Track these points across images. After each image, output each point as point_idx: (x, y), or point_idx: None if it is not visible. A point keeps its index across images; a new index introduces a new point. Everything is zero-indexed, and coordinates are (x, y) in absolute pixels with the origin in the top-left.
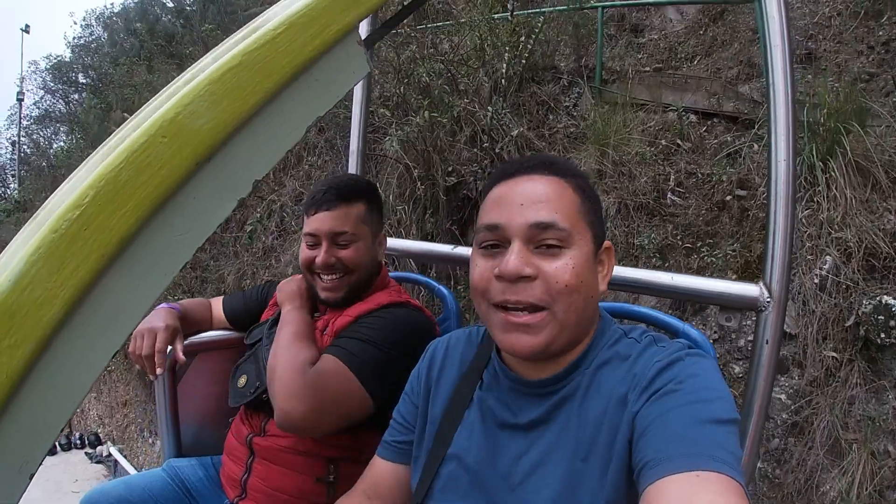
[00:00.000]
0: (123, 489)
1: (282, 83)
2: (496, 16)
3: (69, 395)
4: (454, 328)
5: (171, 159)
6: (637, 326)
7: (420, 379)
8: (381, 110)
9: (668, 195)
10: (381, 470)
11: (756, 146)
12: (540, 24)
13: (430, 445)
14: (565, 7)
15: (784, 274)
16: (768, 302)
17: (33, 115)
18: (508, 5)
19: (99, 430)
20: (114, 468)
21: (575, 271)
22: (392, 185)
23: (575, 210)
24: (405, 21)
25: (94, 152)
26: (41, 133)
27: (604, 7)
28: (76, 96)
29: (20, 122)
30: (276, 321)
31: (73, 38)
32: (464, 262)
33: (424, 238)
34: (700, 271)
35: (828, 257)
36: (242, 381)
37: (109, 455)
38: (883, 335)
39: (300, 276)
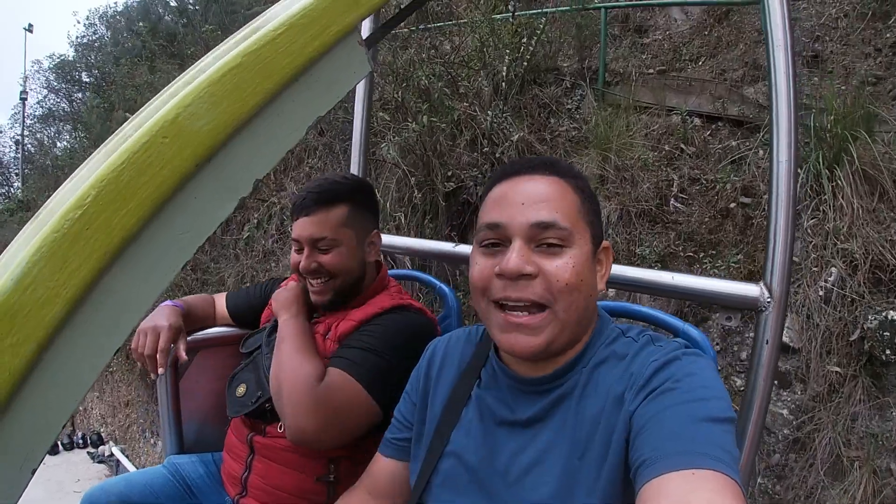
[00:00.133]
0: (124, 486)
1: (282, 83)
2: (498, 16)
3: (71, 394)
4: (455, 326)
5: (172, 159)
6: (634, 325)
7: (419, 378)
8: (381, 114)
9: (671, 202)
10: (382, 467)
11: (762, 152)
12: (542, 25)
13: (429, 443)
14: (568, 7)
15: (785, 274)
16: (769, 302)
17: (37, 114)
18: (510, 6)
19: (101, 430)
20: (115, 468)
21: (575, 270)
22: (391, 189)
23: (575, 210)
24: (406, 22)
25: (95, 152)
26: (45, 132)
27: (607, 7)
28: (80, 95)
29: (23, 121)
30: (274, 328)
31: (77, 37)
32: (465, 261)
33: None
34: None
35: (833, 269)
36: (241, 390)
37: (111, 455)
38: (888, 352)
39: (295, 282)
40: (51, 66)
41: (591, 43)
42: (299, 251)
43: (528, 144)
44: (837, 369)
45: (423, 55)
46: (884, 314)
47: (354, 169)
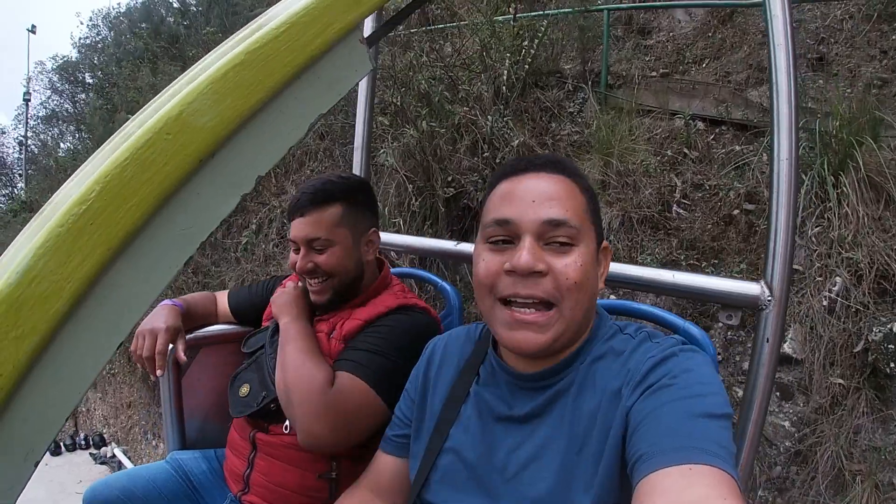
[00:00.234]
0: (127, 481)
1: (285, 81)
2: (500, 18)
3: (74, 387)
4: (456, 323)
5: (176, 156)
6: (632, 322)
7: (418, 376)
8: (380, 118)
9: (674, 208)
10: (383, 464)
11: (766, 157)
12: (544, 28)
13: (428, 439)
14: (570, 9)
15: (785, 272)
16: (769, 300)
17: (40, 114)
18: (511, 9)
19: (104, 431)
20: (117, 470)
21: (583, 269)
22: (390, 194)
23: (582, 209)
24: (406, 24)
25: (99, 149)
26: (48, 133)
27: (610, 9)
28: (83, 96)
29: (27, 122)
30: (277, 328)
31: (79, 38)
32: (466, 259)
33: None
34: None
35: (837, 279)
36: (245, 390)
37: (113, 456)
38: (893, 364)
39: (293, 283)
40: (54, 67)
41: (594, 45)
42: (297, 251)
43: (530, 149)
44: (841, 381)
45: (423, 58)
46: (889, 326)
47: (356, 169)
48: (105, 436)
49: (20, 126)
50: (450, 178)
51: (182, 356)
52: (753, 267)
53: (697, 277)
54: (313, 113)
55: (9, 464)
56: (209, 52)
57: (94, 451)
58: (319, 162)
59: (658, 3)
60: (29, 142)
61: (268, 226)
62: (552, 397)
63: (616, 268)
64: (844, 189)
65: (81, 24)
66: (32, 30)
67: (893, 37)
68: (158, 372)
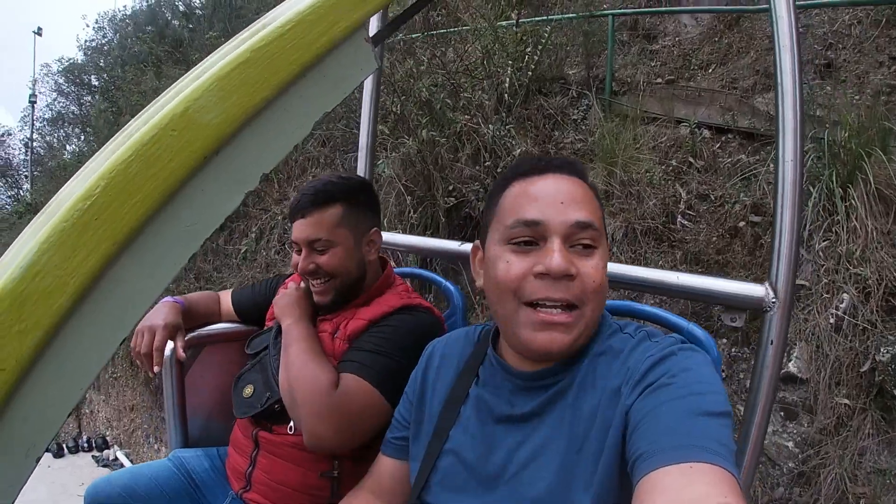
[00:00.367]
0: (129, 478)
1: (290, 79)
2: (504, 23)
3: (76, 382)
4: (460, 324)
5: (181, 152)
6: (631, 322)
7: (417, 378)
8: (380, 127)
9: (678, 219)
10: (383, 466)
11: (773, 167)
12: (547, 34)
13: (427, 442)
14: (575, 15)
15: (790, 274)
16: (774, 302)
17: (46, 116)
18: (513, 14)
19: (107, 433)
20: None
21: (603, 271)
22: (390, 203)
23: (600, 212)
24: (408, 29)
25: (105, 145)
26: (54, 135)
27: (615, 15)
28: (89, 98)
29: (32, 124)
30: (281, 329)
31: (85, 41)
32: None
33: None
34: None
35: (845, 295)
36: (248, 391)
37: (116, 459)
38: None
39: (295, 284)
40: (59, 69)
41: (599, 51)
42: (298, 252)
43: None
44: (846, 402)
45: (423, 66)
46: None
47: (361, 170)
48: (108, 438)
49: (26, 128)
50: (451, 188)
51: (181, 353)
52: (759, 282)
53: (702, 279)
54: (318, 111)
55: (10, 459)
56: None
57: (97, 454)
58: (321, 168)
59: (663, 9)
60: (35, 144)
61: (269, 232)
62: (552, 397)
63: (621, 269)
64: (853, 202)
65: (87, 26)
66: (38, 32)
67: None
68: (156, 368)
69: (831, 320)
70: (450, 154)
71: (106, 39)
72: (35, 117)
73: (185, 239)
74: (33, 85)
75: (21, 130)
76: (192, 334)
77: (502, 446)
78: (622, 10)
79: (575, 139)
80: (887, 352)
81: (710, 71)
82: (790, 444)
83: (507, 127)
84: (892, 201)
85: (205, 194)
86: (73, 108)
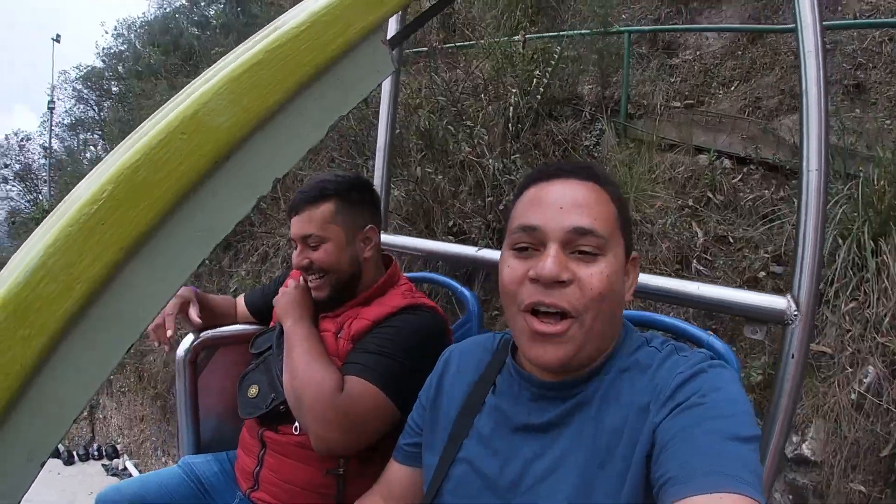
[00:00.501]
0: (138, 487)
1: (304, 81)
2: (514, 37)
3: (82, 388)
4: (476, 330)
5: (191, 156)
6: (657, 335)
7: (432, 385)
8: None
9: (693, 264)
10: (395, 473)
11: (797, 202)
12: (558, 54)
13: (441, 449)
14: (588, 31)
15: (813, 286)
16: (795, 315)
17: (65, 122)
18: (520, 33)
19: (118, 442)
20: None
21: (608, 280)
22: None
23: (612, 218)
24: (413, 43)
25: (115, 148)
26: (73, 140)
27: (631, 31)
28: (108, 104)
29: (51, 131)
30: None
31: (103, 48)
32: (487, 265)
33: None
34: None
35: (870, 368)
36: (253, 391)
37: (125, 469)
38: None
39: (294, 281)
40: (78, 76)
41: (615, 69)
42: (296, 248)
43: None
44: (861, 488)
45: (423, 90)
46: None
47: (378, 170)
48: (118, 447)
49: (45, 133)
50: (451, 223)
51: (196, 319)
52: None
53: (723, 290)
54: (333, 115)
55: (13, 464)
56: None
57: (107, 463)
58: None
59: (682, 27)
60: (54, 149)
61: (274, 254)
62: (573, 408)
63: (640, 279)
64: (885, 258)
65: (106, 33)
66: (57, 39)
67: None
68: (168, 333)
69: (852, 396)
70: (451, 187)
71: (125, 46)
72: (54, 123)
73: (195, 244)
74: (52, 91)
75: (41, 136)
76: (206, 335)
77: (518, 457)
78: (639, 28)
79: None
80: None
81: (733, 88)
82: None
83: (512, 158)
84: None
85: (216, 199)
86: (91, 113)
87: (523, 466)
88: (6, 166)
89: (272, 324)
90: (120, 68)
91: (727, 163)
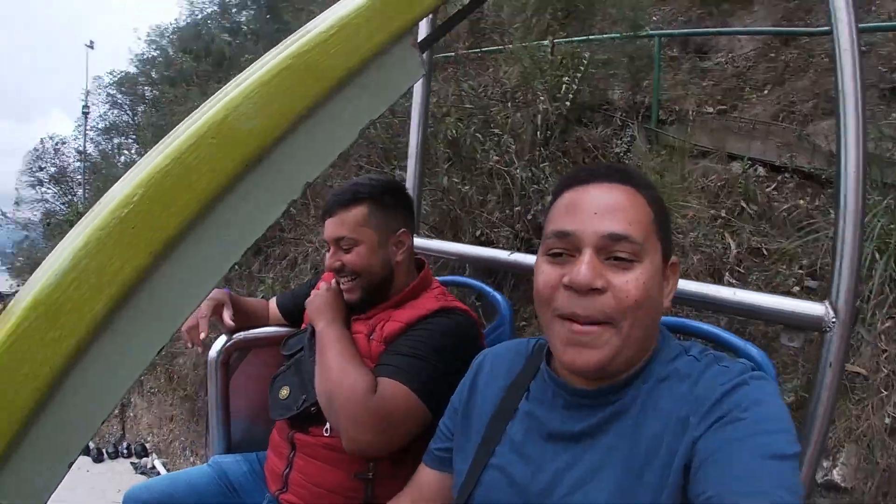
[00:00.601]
0: (168, 485)
1: (334, 85)
2: (544, 42)
3: (111, 390)
4: (508, 335)
5: (221, 160)
6: (696, 343)
7: (465, 389)
8: (399, 172)
9: (725, 277)
10: (425, 477)
11: (833, 213)
12: (586, 59)
13: (472, 455)
14: (618, 34)
15: (851, 292)
16: (833, 322)
17: (100, 126)
18: (548, 39)
19: (148, 439)
20: None
21: (645, 287)
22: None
23: (648, 222)
24: (441, 48)
25: (147, 154)
26: (107, 144)
27: (661, 36)
28: (141, 108)
29: (85, 135)
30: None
31: (136, 54)
32: (520, 269)
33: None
34: None
35: None
36: (284, 392)
37: (153, 467)
38: None
39: (326, 283)
40: (111, 81)
41: (645, 73)
42: (329, 251)
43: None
44: None
45: (452, 97)
46: None
47: (410, 175)
48: (147, 446)
49: (80, 137)
50: (479, 233)
51: (229, 321)
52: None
53: (758, 296)
54: (364, 118)
55: (42, 464)
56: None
57: (136, 461)
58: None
59: (713, 31)
60: (89, 152)
61: (303, 260)
62: (610, 416)
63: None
64: None
65: (139, 39)
66: (90, 45)
67: None
68: (202, 335)
69: (886, 420)
70: (479, 196)
71: (157, 52)
72: (88, 127)
73: (225, 248)
74: (86, 96)
75: (76, 139)
76: (238, 337)
77: (552, 465)
78: (669, 32)
79: None
80: None
81: (766, 92)
82: None
83: (541, 166)
84: None
85: (246, 203)
86: (125, 117)
87: (556, 475)
88: (41, 169)
89: (304, 326)
90: (153, 74)
91: (761, 171)
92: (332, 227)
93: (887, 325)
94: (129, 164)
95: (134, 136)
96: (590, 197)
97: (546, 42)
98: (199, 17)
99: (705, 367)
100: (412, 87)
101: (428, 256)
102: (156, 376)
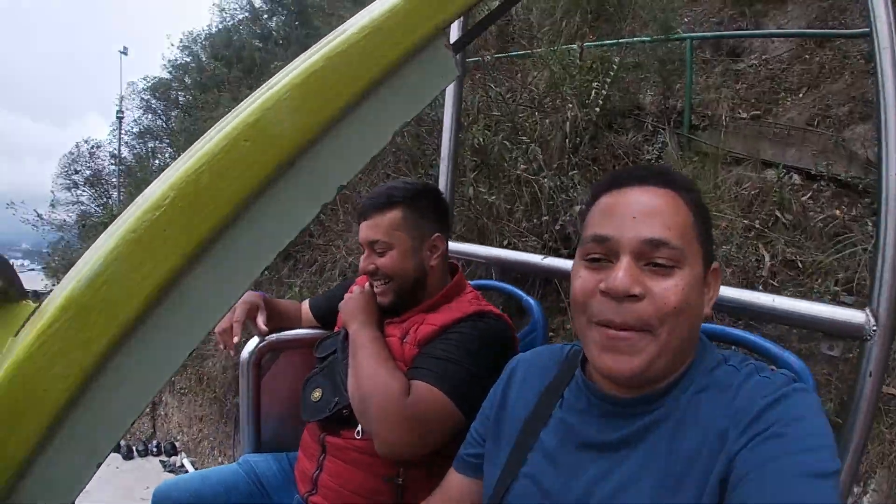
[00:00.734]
0: (198, 483)
1: (367, 87)
2: (573, 46)
3: (141, 392)
4: (540, 340)
5: (253, 163)
6: (735, 352)
7: (497, 394)
8: (430, 172)
9: (759, 289)
10: (454, 483)
11: (870, 224)
12: (616, 65)
13: (503, 463)
14: (648, 37)
15: (893, 298)
16: (874, 330)
17: (134, 130)
18: (577, 43)
19: (178, 438)
20: None
21: (684, 293)
22: None
23: (689, 227)
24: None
25: (181, 156)
26: (141, 148)
27: (692, 38)
28: (174, 113)
29: (119, 139)
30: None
31: (169, 60)
32: (553, 274)
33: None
34: None
35: None
36: (317, 394)
37: (182, 466)
38: None
39: (359, 287)
40: (145, 87)
41: (677, 76)
42: (364, 254)
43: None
44: None
45: (480, 103)
46: None
47: (443, 178)
48: (177, 444)
49: (115, 141)
50: (506, 242)
51: (262, 327)
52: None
53: (798, 303)
54: (397, 121)
55: (70, 464)
56: None
57: (165, 459)
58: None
59: (745, 33)
60: (124, 156)
61: (331, 266)
62: (647, 426)
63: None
64: None
65: (172, 45)
66: (124, 52)
67: None
68: (234, 339)
69: None
70: (506, 205)
71: (190, 58)
72: (123, 132)
73: (257, 252)
74: (120, 102)
75: (111, 143)
76: (271, 338)
77: (585, 475)
78: (701, 35)
79: None
80: None
81: (801, 95)
82: None
83: (570, 174)
84: None
85: (279, 206)
86: (159, 122)
87: (589, 485)
88: (76, 172)
89: (337, 328)
90: (186, 79)
91: (796, 178)
92: (366, 231)
93: None
94: (162, 168)
95: (168, 141)
96: (628, 200)
97: (575, 46)
98: (231, 23)
99: (746, 377)
100: (444, 89)
101: (458, 260)
102: (186, 377)
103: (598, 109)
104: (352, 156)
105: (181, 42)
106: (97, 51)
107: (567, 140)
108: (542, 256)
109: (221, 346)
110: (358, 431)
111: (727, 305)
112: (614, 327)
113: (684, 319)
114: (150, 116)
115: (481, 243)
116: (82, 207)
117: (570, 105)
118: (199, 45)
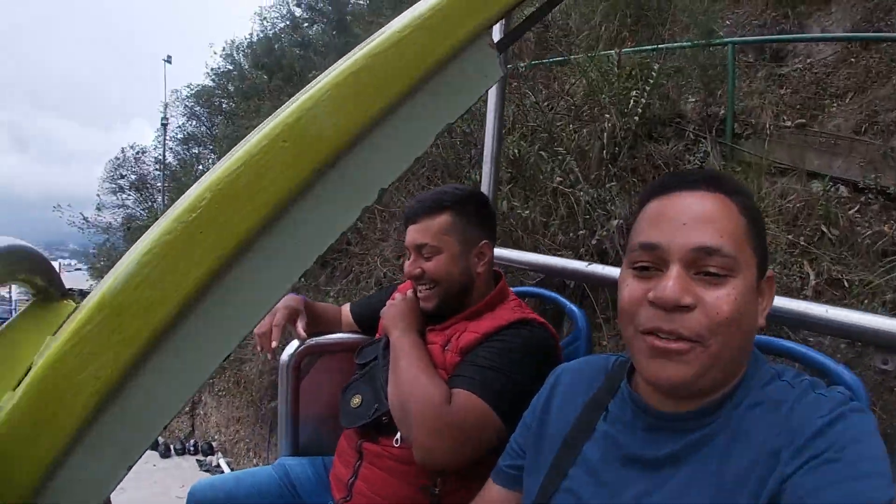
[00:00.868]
0: (233, 484)
1: (409, 87)
2: (611, 52)
3: (174, 395)
4: (584, 349)
5: (293, 164)
6: (788, 367)
7: (539, 405)
8: (467, 183)
9: None
10: (493, 494)
11: None
12: (655, 72)
13: (544, 476)
14: (689, 42)
15: None
16: None
17: (178, 136)
18: (614, 50)
19: (216, 437)
20: None
21: (737, 303)
22: None
23: (742, 233)
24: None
25: (221, 159)
26: (185, 154)
27: (734, 43)
28: (218, 120)
29: (164, 145)
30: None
31: (212, 68)
32: (599, 282)
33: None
34: None
35: None
36: (356, 401)
37: (218, 465)
38: None
39: (402, 294)
40: (189, 94)
41: (718, 82)
42: (409, 258)
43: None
44: None
45: (516, 110)
46: None
47: (485, 182)
48: (214, 444)
49: (160, 146)
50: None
51: (302, 332)
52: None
53: (853, 314)
54: (440, 122)
55: (101, 465)
56: None
57: (201, 458)
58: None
59: (789, 37)
60: (168, 161)
61: (367, 276)
62: (696, 442)
63: None
64: None
65: (215, 54)
66: (168, 60)
67: None
68: (273, 343)
69: None
70: (542, 217)
71: (232, 66)
72: (168, 138)
73: (295, 255)
74: (164, 109)
75: (156, 149)
76: (311, 342)
77: (628, 491)
78: (743, 39)
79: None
80: None
81: (847, 101)
82: None
83: (607, 186)
84: None
85: (318, 208)
86: (203, 128)
87: (633, 502)
88: (122, 177)
89: (378, 335)
90: (229, 87)
91: (843, 190)
92: (414, 234)
93: None
94: (206, 172)
95: (211, 147)
96: (678, 206)
97: (613, 52)
98: (272, 32)
99: (800, 394)
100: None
101: (501, 266)
102: (224, 379)
103: (637, 118)
104: (394, 158)
105: (223, 50)
106: (141, 59)
107: (605, 150)
108: (586, 263)
109: (259, 349)
110: (396, 439)
111: (779, 316)
112: (663, 334)
113: (737, 330)
114: (193, 123)
115: None
116: (128, 210)
117: (608, 114)
118: (241, 53)
